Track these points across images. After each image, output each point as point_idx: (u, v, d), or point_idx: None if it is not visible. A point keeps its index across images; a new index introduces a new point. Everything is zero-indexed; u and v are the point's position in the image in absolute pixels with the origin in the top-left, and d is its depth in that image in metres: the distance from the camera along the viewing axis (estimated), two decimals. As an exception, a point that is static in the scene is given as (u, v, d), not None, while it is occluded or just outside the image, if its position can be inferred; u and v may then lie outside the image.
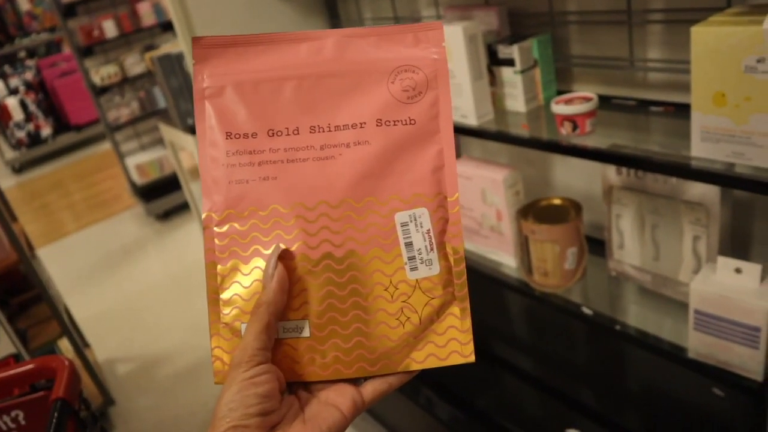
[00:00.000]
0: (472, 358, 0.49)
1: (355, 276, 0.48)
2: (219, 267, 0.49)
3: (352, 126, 0.49)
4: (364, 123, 0.49)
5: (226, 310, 0.49)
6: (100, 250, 3.85)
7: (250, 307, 0.48)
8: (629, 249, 1.21)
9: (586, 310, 1.20)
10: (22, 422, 0.96)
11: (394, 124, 0.49)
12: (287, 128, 0.50)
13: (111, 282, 3.38)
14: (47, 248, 4.04)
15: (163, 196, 3.89)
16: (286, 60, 0.51)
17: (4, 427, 0.96)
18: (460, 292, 0.50)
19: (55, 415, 0.83)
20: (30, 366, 0.96)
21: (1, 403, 0.94)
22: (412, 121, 0.50)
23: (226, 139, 0.50)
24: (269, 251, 0.48)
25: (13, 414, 0.95)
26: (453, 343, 0.49)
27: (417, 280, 0.49)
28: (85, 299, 3.18)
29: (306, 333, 0.48)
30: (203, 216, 0.49)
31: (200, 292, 2.95)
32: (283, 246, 0.48)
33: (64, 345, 2.19)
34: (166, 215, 3.98)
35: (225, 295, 0.49)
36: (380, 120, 0.49)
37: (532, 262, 1.27)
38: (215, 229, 0.49)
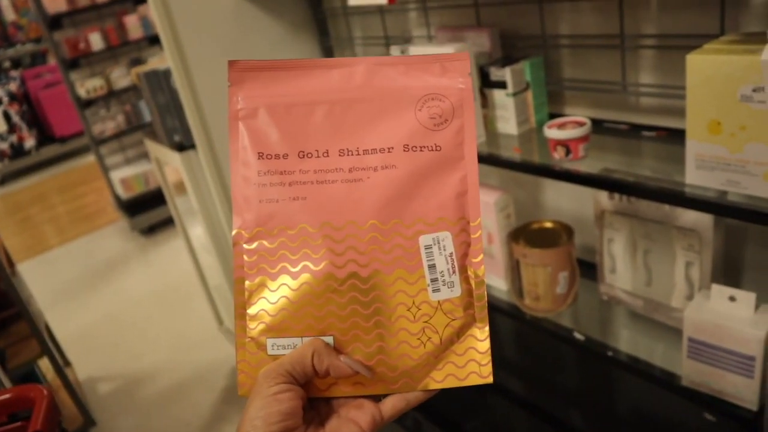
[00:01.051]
0: (490, 379, 0.50)
1: (379, 296, 0.50)
2: (247, 283, 0.50)
3: (380, 150, 0.51)
4: (392, 148, 0.51)
5: (252, 325, 0.50)
6: (84, 264, 3.79)
7: (276, 322, 0.49)
8: (621, 274, 1.20)
9: (578, 336, 1.18)
10: (-1, 453, 0.93)
11: (421, 150, 0.51)
12: (317, 150, 0.51)
13: (94, 298, 3.33)
14: (29, 262, 3.97)
15: (147, 210, 3.85)
16: (318, 85, 0.52)
17: (-20, 458, 0.93)
18: (480, 314, 0.51)
19: (33, 448, 0.80)
20: (8, 396, 0.92)
21: (-23, 434, 0.91)
22: (438, 148, 0.51)
23: (258, 159, 0.51)
24: (296, 269, 0.49)
25: (-11, 445, 0.92)
26: (472, 364, 0.50)
27: (439, 301, 0.50)
28: (66, 315, 3.12)
29: None
30: (233, 233, 0.51)
31: (184, 308, 2.91)
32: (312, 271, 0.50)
33: (45, 364, 2.14)
34: (150, 230, 3.93)
35: (252, 311, 0.50)
36: (407, 145, 0.51)
37: (523, 285, 1.26)
38: (244, 246, 0.51)
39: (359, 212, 0.50)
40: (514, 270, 1.27)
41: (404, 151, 0.51)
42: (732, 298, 0.94)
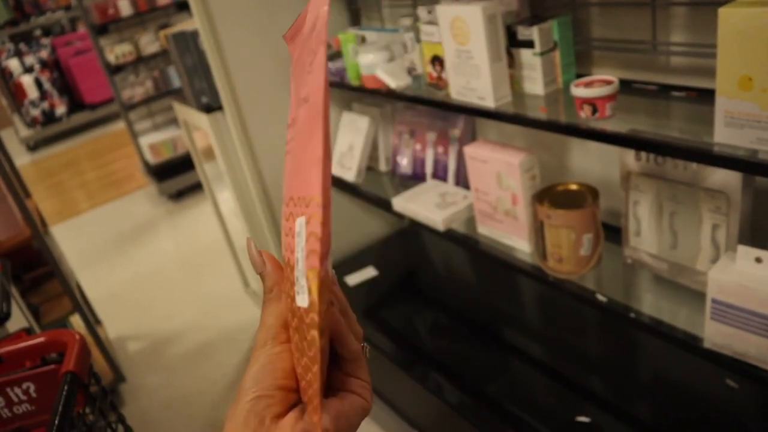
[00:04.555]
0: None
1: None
2: None
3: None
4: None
5: None
6: (113, 229, 3.87)
7: None
8: (646, 236, 1.19)
9: (601, 298, 1.18)
10: (33, 394, 0.96)
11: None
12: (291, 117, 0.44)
13: (123, 261, 3.40)
14: (60, 226, 4.07)
15: (176, 175, 3.90)
16: None
17: (16, 399, 0.97)
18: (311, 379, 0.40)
19: (65, 388, 0.83)
20: (41, 339, 0.96)
21: (13, 375, 0.95)
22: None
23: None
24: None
25: (24, 386, 0.95)
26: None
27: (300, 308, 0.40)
28: (97, 277, 3.20)
29: None
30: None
31: (211, 271, 2.97)
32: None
33: (76, 321, 2.21)
34: (178, 195, 3.98)
35: None
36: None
37: (547, 247, 1.26)
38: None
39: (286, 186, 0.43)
40: (538, 232, 1.27)
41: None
42: (758, 260, 0.93)
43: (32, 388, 0.96)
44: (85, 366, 0.89)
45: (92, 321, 2.30)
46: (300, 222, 0.39)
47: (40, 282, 2.24)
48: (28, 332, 1.31)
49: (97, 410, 0.91)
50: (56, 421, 0.76)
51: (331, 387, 0.45)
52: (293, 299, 0.41)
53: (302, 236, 0.39)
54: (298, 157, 0.40)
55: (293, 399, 0.43)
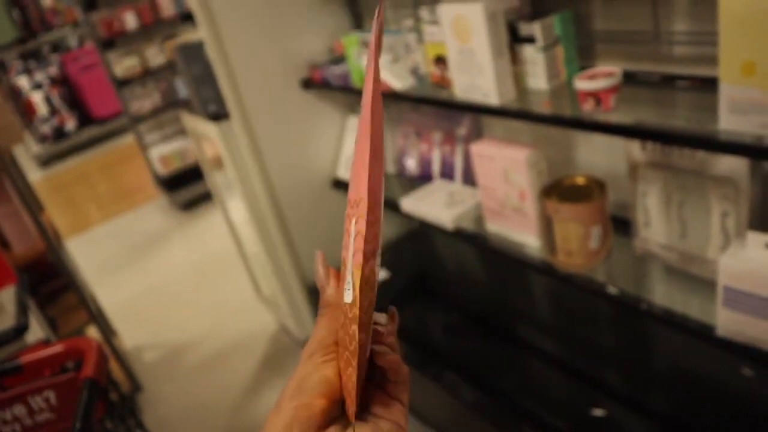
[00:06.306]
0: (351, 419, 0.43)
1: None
2: None
3: None
4: None
5: None
6: (125, 240, 3.90)
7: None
8: (655, 227, 1.19)
9: (612, 290, 1.18)
10: (53, 403, 0.98)
11: None
12: None
13: (136, 272, 3.43)
14: (74, 240, 4.10)
15: (186, 186, 3.93)
16: None
17: (36, 408, 0.98)
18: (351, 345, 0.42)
19: (85, 393, 0.84)
20: (59, 348, 0.97)
21: (33, 384, 0.96)
22: None
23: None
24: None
25: (44, 395, 0.97)
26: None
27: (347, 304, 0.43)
28: (111, 289, 3.23)
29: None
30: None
31: (223, 279, 2.99)
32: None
33: (92, 333, 2.23)
34: (188, 205, 4.01)
35: None
36: None
37: (556, 241, 1.26)
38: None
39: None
40: (547, 226, 1.27)
41: None
42: (768, 245, 0.93)
43: (52, 396, 0.98)
44: (104, 372, 0.90)
45: (108, 332, 2.32)
46: (353, 222, 0.41)
47: (56, 294, 2.26)
48: (46, 344, 1.33)
49: (116, 416, 0.92)
50: (77, 426, 0.78)
51: (371, 404, 0.45)
52: (342, 296, 0.43)
53: (352, 236, 0.41)
54: (355, 161, 0.43)
55: (335, 411, 0.42)
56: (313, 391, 0.41)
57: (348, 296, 0.41)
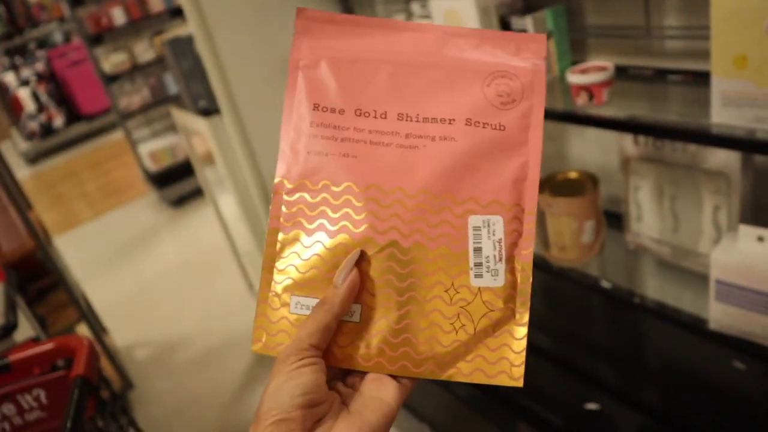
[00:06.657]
0: (520, 383, 0.47)
1: (417, 270, 0.47)
2: (281, 235, 0.49)
3: (441, 120, 0.49)
4: (454, 120, 0.49)
5: (278, 279, 0.49)
6: (115, 237, 3.88)
7: (304, 280, 0.48)
8: (648, 221, 1.20)
9: (605, 284, 1.19)
10: (44, 401, 0.97)
11: (483, 127, 0.49)
12: (375, 111, 0.49)
13: (127, 269, 3.40)
14: (63, 237, 4.07)
15: (176, 182, 3.91)
16: (385, 45, 0.51)
17: (27, 407, 0.97)
18: (521, 310, 0.48)
19: (76, 391, 0.83)
20: (49, 345, 0.96)
21: (23, 383, 0.95)
22: (502, 127, 0.49)
23: (313, 110, 0.50)
24: (335, 228, 0.48)
25: (34, 393, 0.96)
26: (503, 363, 0.47)
27: (479, 288, 0.47)
28: (101, 286, 3.20)
29: (356, 318, 0.47)
30: (275, 182, 0.49)
31: (215, 276, 2.96)
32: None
33: (83, 331, 2.21)
34: (179, 201, 3.99)
35: (280, 264, 0.49)
36: (470, 120, 0.49)
37: (549, 236, 1.26)
38: (285, 196, 0.49)
39: (410, 180, 0.48)
40: (540, 221, 1.27)
41: (466, 125, 0.48)
42: (761, 239, 0.94)
43: (43, 395, 0.97)
44: (95, 370, 0.89)
45: (98, 329, 2.31)
46: (492, 219, 0.48)
47: (45, 292, 2.24)
48: (35, 342, 1.32)
49: (108, 414, 0.92)
50: (68, 425, 0.77)
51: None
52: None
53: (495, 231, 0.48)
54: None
55: (316, 414, 0.42)
56: (289, 405, 0.41)
57: (490, 281, 0.48)
